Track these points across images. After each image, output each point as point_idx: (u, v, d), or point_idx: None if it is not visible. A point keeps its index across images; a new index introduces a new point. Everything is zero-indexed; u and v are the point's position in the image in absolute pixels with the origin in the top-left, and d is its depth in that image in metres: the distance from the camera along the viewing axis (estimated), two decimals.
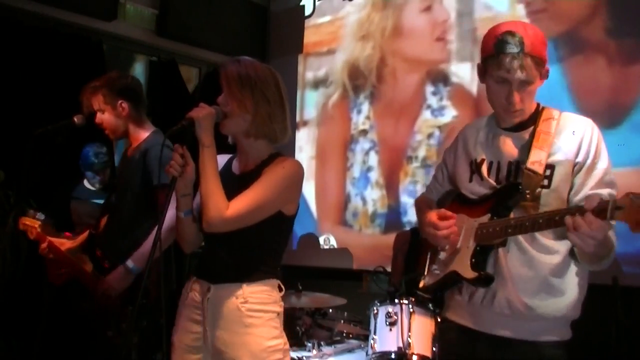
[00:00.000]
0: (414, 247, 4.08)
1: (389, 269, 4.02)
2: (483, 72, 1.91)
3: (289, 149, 5.08)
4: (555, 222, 1.64)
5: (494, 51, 1.82)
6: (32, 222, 2.95)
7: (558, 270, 1.84)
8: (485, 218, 1.88)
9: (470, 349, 1.94)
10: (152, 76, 4.91)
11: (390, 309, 3.13)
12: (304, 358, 3.15)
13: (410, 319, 3.07)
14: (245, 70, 1.93)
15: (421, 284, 2.09)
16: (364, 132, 4.97)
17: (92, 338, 2.69)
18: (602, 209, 1.51)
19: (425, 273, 2.09)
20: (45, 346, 3.57)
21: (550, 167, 1.83)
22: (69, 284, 2.83)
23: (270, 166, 1.96)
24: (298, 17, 5.40)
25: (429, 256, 2.11)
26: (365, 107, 4.97)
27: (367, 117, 4.97)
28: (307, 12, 5.38)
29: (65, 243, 2.89)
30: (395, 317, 3.09)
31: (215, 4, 5.06)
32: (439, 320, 3.13)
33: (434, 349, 3.05)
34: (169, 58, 4.96)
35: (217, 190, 1.86)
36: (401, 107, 4.80)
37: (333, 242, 5.03)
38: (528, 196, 1.80)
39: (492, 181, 1.93)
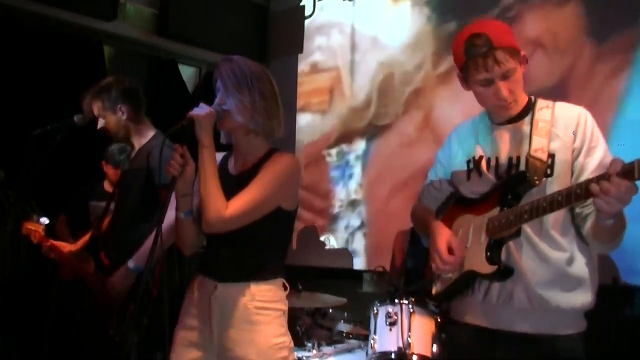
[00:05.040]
0: (413, 246, 4.08)
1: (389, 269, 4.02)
2: (464, 80, 1.94)
3: (289, 148, 5.09)
4: (576, 195, 1.62)
5: (465, 57, 1.87)
6: (36, 227, 2.98)
7: (570, 263, 1.85)
8: (494, 212, 1.87)
9: (487, 349, 1.92)
10: (152, 76, 4.91)
11: (390, 309, 3.13)
12: (304, 358, 3.15)
13: (410, 319, 3.07)
14: (240, 68, 1.94)
15: (433, 292, 2.04)
16: None
17: (94, 336, 2.69)
18: (628, 170, 1.51)
19: (435, 279, 2.04)
20: (50, 344, 3.58)
21: (551, 155, 1.84)
22: (74, 282, 2.84)
23: (267, 163, 1.96)
24: (298, 17, 5.40)
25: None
26: None
27: None
28: (307, 12, 5.38)
29: (66, 246, 2.91)
30: (395, 317, 3.09)
31: (215, 4, 5.06)
32: (439, 320, 3.14)
33: (434, 349, 3.05)
34: (169, 58, 4.96)
35: (216, 190, 1.86)
36: None
37: (333, 242, 5.03)
38: (537, 183, 1.80)
39: (491, 177, 1.92)
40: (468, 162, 2.00)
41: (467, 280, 1.93)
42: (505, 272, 1.83)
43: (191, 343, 1.97)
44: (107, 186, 3.82)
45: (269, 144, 2.03)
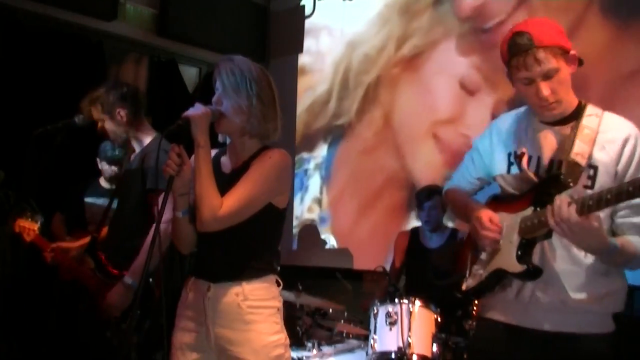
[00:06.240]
0: (414, 246, 4.09)
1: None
2: (510, 77, 1.92)
3: (289, 149, 5.08)
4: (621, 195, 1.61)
5: (508, 56, 1.86)
6: (30, 225, 2.96)
7: (602, 267, 1.84)
8: (528, 211, 1.87)
9: (515, 346, 1.92)
10: (152, 76, 4.91)
11: (390, 308, 3.13)
12: (304, 358, 3.15)
13: (410, 318, 3.07)
14: (240, 70, 1.94)
15: (463, 287, 2.03)
16: None
17: (95, 337, 2.69)
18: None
19: (468, 275, 2.04)
20: (51, 344, 3.58)
21: (594, 167, 1.82)
22: (74, 282, 2.84)
23: (257, 159, 1.97)
24: (298, 17, 5.40)
25: (469, 257, 2.06)
26: None
27: None
28: (307, 12, 5.38)
29: (70, 248, 2.89)
30: (395, 317, 3.09)
31: (215, 4, 5.06)
32: (439, 320, 3.15)
33: (434, 348, 3.05)
34: (169, 58, 4.96)
35: (212, 190, 1.87)
36: None
37: (333, 242, 5.03)
38: (571, 185, 1.78)
39: (532, 175, 1.91)
40: (509, 154, 1.99)
41: (497, 278, 1.94)
42: (534, 273, 1.83)
43: (189, 345, 1.98)
44: (103, 182, 3.83)
45: (262, 144, 2.03)
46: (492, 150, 2.06)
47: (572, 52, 1.84)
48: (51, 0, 4.11)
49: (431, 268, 3.74)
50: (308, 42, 5.24)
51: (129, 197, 2.72)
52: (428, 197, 3.81)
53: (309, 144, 5.01)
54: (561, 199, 1.69)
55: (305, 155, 5.04)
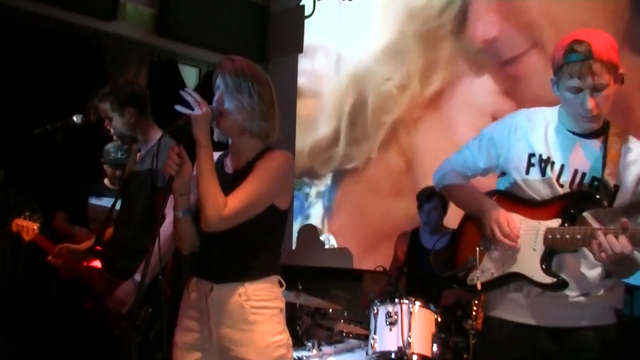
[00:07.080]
0: (414, 247, 4.09)
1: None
2: (556, 83, 1.91)
3: (289, 150, 5.07)
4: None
5: (562, 62, 1.85)
6: (29, 224, 2.95)
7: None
8: (553, 222, 1.88)
9: (528, 344, 1.94)
10: (152, 76, 4.91)
11: (390, 308, 3.13)
12: (304, 358, 3.15)
13: (410, 318, 3.07)
14: (242, 69, 1.95)
15: (478, 285, 2.00)
16: None
17: (95, 335, 2.69)
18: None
19: (477, 270, 2.03)
20: (51, 343, 3.59)
21: (616, 187, 1.85)
22: (73, 283, 2.83)
23: (261, 160, 1.98)
24: (298, 17, 5.40)
25: (478, 252, 2.03)
26: None
27: None
28: (307, 12, 5.39)
29: (78, 251, 2.88)
30: (395, 317, 3.09)
31: (215, 4, 5.06)
32: (439, 320, 3.15)
33: (434, 348, 3.05)
34: (169, 58, 4.96)
35: (215, 189, 1.87)
36: None
37: (333, 242, 5.03)
38: (605, 205, 1.81)
39: (556, 183, 1.91)
40: (531, 155, 1.97)
41: (511, 280, 1.96)
42: (562, 285, 1.86)
43: (191, 345, 1.98)
44: (108, 183, 3.83)
45: (263, 144, 2.03)
46: (510, 144, 2.03)
47: (621, 70, 1.85)
48: (51, 0, 4.11)
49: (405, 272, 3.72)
50: (304, 63, 5.18)
51: (139, 197, 2.71)
52: (428, 199, 3.80)
53: (310, 175, 4.86)
54: (610, 232, 1.72)
55: (306, 179, 4.93)
